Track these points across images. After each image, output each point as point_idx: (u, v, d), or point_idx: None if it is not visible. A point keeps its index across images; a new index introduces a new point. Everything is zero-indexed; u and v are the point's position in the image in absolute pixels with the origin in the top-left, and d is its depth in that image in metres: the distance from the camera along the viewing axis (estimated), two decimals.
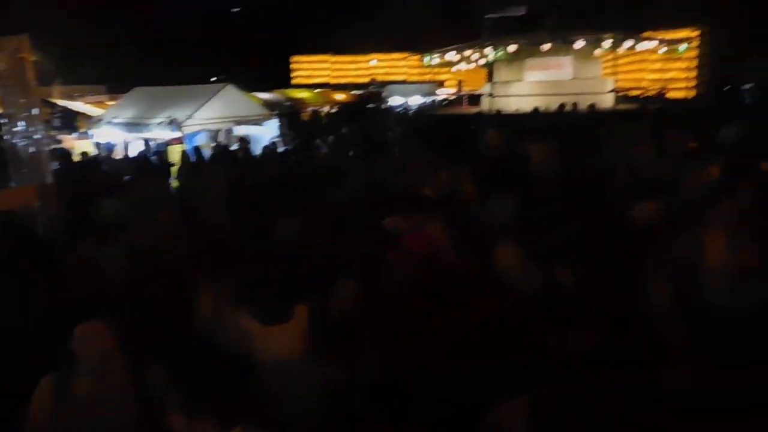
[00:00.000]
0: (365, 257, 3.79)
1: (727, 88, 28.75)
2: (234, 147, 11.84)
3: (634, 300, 3.67)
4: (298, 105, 30.84)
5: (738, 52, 46.39)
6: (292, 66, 51.35)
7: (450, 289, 3.62)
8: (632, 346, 3.18)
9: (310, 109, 31.39)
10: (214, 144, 12.78)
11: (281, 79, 46.95)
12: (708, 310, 3.77)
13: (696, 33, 30.07)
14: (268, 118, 14.35)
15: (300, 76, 50.83)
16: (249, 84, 24.07)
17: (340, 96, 38.15)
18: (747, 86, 36.77)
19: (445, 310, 3.41)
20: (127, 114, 13.65)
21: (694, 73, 31.82)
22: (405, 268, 3.62)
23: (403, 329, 3.30)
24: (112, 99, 19.26)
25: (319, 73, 51.15)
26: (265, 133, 13.82)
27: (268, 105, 24.71)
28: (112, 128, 13.57)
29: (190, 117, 12.61)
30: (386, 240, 3.97)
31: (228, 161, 10.23)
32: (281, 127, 14.61)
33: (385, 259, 3.68)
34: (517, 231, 4.62)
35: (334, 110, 30.08)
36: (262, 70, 45.44)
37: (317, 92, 37.84)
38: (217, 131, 13.49)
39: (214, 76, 36.58)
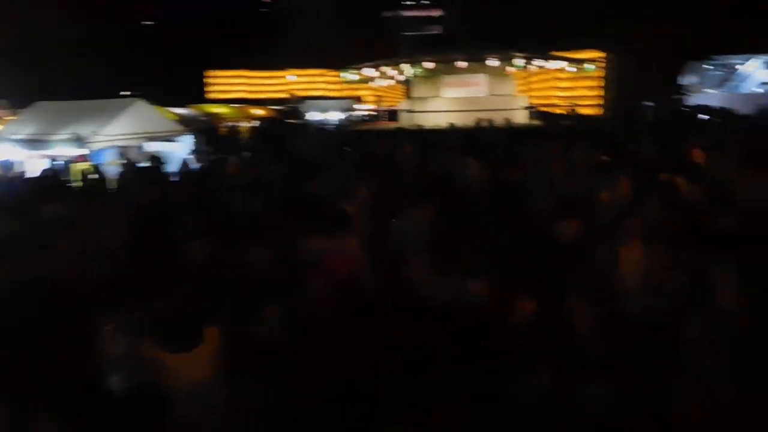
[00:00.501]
0: (286, 280, 3.61)
1: (631, 106, 30.40)
2: (144, 164, 11.28)
3: (556, 315, 3.67)
4: (214, 120, 30.11)
5: (639, 74, 49.36)
6: (207, 81, 50.15)
7: (368, 309, 3.53)
8: (551, 363, 3.15)
9: (228, 124, 30.71)
10: (123, 161, 12.14)
11: (196, 94, 45.81)
12: (626, 320, 3.81)
13: (601, 55, 31.66)
14: (181, 133, 13.81)
15: (215, 91, 49.73)
16: (162, 99, 23.27)
17: (258, 111, 37.56)
18: (648, 104, 39.08)
19: (365, 329, 3.32)
20: (27, 130, 12.77)
21: (600, 92, 33.42)
22: (327, 291, 3.48)
23: (329, 350, 3.19)
24: (12, 114, 18.06)
25: (236, 89, 50.22)
26: (179, 150, 13.28)
27: (184, 120, 23.95)
28: (11, 145, 12.65)
29: (96, 133, 11.94)
30: (307, 262, 3.79)
31: (137, 180, 9.70)
32: (197, 143, 14.09)
33: (307, 282, 3.51)
34: (431, 245, 4.62)
35: (252, 125, 29.54)
36: (176, 85, 44.20)
37: (234, 107, 37.09)
38: (127, 148, 12.83)
39: (124, 91, 35.17)
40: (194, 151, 13.56)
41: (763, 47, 50.01)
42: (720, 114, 21.31)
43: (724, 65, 52.25)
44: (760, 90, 47.03)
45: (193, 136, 14.16)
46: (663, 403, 3.16)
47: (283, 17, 59.51)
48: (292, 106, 39.52)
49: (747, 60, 50.95)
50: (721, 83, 51.20)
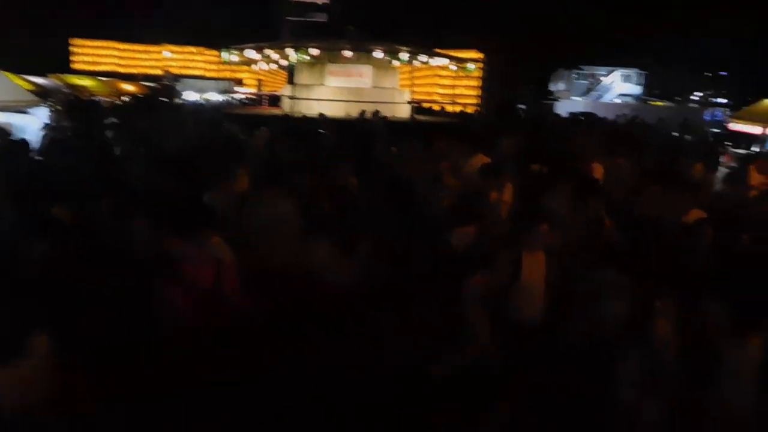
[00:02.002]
0: (138, 288, 3.12)
1: (507, 106, 31.73)
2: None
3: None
4: (78, 93, 27.87)
5: (513, 77, 51.78)
6: (72, 50, 46.31)
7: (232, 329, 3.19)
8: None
9: (95, 98, 28.54)
10: None
11: (59, 63, 42.26)
12: (525, 331, 3.70)
13: (481, 55, 32.74)
14: (35, 104, 12.45)
15: (82, 62, 46.10)
16: (16, 66, 21.14)
17: (128, 87, 35.29)
18: (522, 107, 41.04)
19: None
20: None
21: (478, 92, 34.55)
22: (182, 306, 3.06)
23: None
24: None
25: (105, 60, 46.89)
26: (33, 123, 11.95)
27: (41, 91, 21.86)
28: None
29: None
30: (163, 269, 3.27)
31: None
32: (55, 116, 12.76)
33: (159, 295, 3.05)
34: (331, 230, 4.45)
35: (122, 102, 27.61)
36: (35, 52, 40.47)
37: (102, 81, 34.59)
38: None
39: None
40: (51, 125, 12.26)
41: (624, 61, 54.28)
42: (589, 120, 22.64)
43: (589, 75, 56.12)
44: (619, 100, 51.02)
45: (49, 110, 12.81)
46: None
47: None
48: (167, 84, 37.52)
49: (609, 72, 55.05)
50: (586, 91, 54.97)
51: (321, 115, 16.50)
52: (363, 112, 16.77)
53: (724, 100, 59.90)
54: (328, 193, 6.21)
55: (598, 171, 7.76)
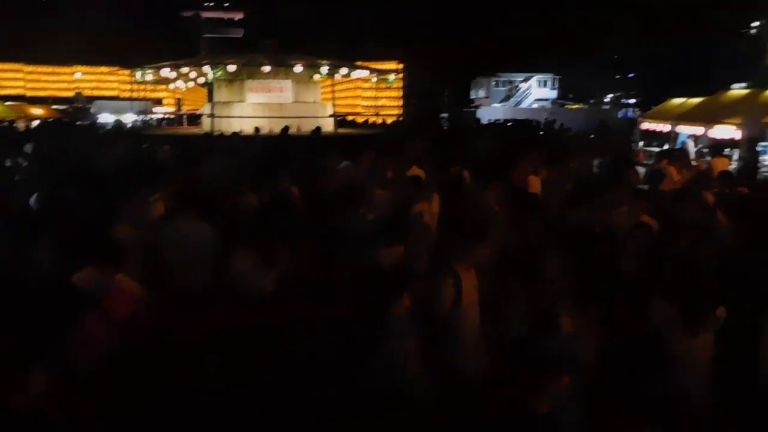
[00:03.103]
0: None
1: (428, 114, 32.24)
2: None
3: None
4: None
5: (435, 86, 52.63)
6: None
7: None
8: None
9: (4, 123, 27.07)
10: None
11: None
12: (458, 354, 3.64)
13: (401, 66, 33.09)
14: None
15: None
16: None
17: (37, 110, 33.63)
18: (444, 115, 41.75)
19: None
20: None
21: (400, 102, 34.89)
22: (104, 340, 2.89)
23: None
24: None
25: (12, 84, 44.41)
26: None
27: None
28: None
29: None
30: (77, 303, 3.05)
31: None
32: None
33: (78, 331, 2.86)
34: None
35: (30, 126, 26.26)
36: None
37: (8, 105, 32.81)
38: None
39: None
40: None
41: (539, 66, 56.26)
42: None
43: (507, 82, 57.83)
44: (537, 105, 52.77)
45: None
46: None
47: (71, 8, 54.13)
48: (78, 107, 36.01)
49: (526, 78, 56.91)
50: (505, 98, 56.58)
51: (234, 134, 16.33)
52: (287, 127, 16.58)
53: (633, 101, 62.97)
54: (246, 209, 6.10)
55: (534, 184, 7.67)
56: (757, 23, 38.57)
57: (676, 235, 4.77)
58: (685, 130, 20.84)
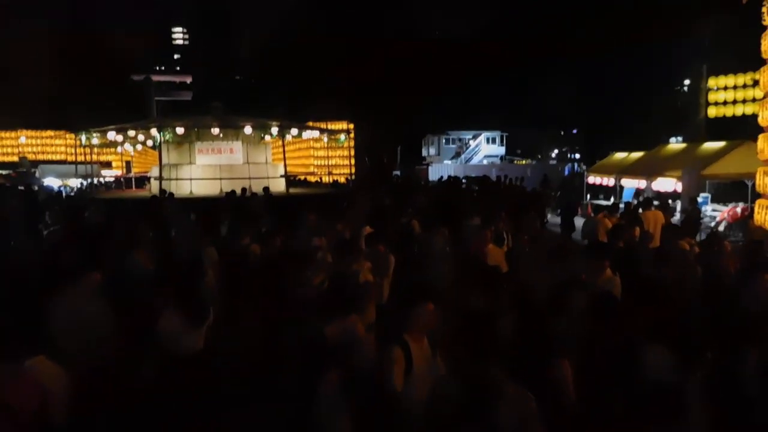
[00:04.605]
0: None
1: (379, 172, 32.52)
2: None
3: None
4: None
5: (384, 145, 53.41)
6: None
7: None
8: None
9: None
10: None
11: None
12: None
13: (351, 125, 33.48)
14: None
15: None
16: None
17: None
18: (396, 172, 42.21)
19: None
20: None
21: (352, 161, 35.11)
22: None
23: None
24: None
25: None
26: None
27: None
28: None
29: None
30: None
31: None
32: None
33: None
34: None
35: None
36: None
37: None
38: None
39: None
40: None
41: (487, 123, 57.93)
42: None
43: (457, 139, 59.19)
44: (486, 161, 53.97)
45: None
46: None
47: (17, 71, 53.32)
48: (22, 171, 35.02)
49: (475, 135, 58.38)
50: (455, 155, 57.76)
51: (170, 194, 16.10)
52: (244, 189, 16.41)
53: (578, 155, 65.11)
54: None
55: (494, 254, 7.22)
56: (688, 81, 40.78)
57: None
58: (628, 183, 21.53)
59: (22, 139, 44.64)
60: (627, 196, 21.67)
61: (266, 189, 16.76)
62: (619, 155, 24.91)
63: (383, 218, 10.02)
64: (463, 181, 25.77)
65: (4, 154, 44.10)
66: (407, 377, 3.53)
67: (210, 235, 7.82)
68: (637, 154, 23.32)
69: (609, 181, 22.80)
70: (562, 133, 72.69)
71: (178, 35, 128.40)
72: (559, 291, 4.40)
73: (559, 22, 73.33)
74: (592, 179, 24.50)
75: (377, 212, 10.81)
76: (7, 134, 44.73)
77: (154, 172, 22.62)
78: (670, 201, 16.75)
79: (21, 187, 22.34)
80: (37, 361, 3.05)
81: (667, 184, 18.32)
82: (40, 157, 42.99)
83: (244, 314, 5.07)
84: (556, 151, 71.42)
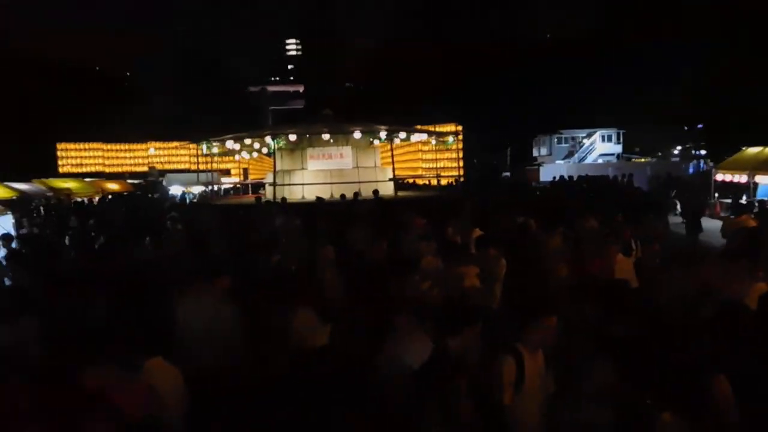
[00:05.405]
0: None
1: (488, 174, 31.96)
2: None
3: None
4: (61, 195, 27.87)
5: (496, 145, 52.58)
6: (59, 154, 46.71)
7: None
8: None
9: (78, 199, 28.62)
10: None
11: (48, 167, 42.64)
12: None
13: (459, 127, 33.18)
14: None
15: (69, 164, 46.38)
16: (6, 171, 21.13)
17: (112, 185, 35.36)
18: (506, 174, 41.38)
19: None
20: None
21: (461, 163, 34.78)
22: None
23: None
24: None
25: (91, 162, 47.14)
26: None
27: (20, 196, 21.83)
28: None
29: None
30: (82, 399, 2.78)
31: None
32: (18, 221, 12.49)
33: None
34: None
35: (104, 199, 27.58)
36: (23, 157, 41.03)
37: (86, 181, 34.67)
38: None
39: None
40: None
41: (601, 122, 55.36)
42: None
43: (570, 138, 57.01)
44: (601, 161, 51.60)
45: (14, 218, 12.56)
46: None
47: (148, 89, 57.81)
48: (151, 180, 37.66)
49: (589, 133, 55.97)
50: (568, 154, 55.68)
51: (283, 198, 16.57)
52: (343, 195, 16.66)
53: (704, 152, 60.78)
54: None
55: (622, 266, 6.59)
56: None
57: None
58: (765, 180, 19.74)
59: (151, 150, 48.15)
60: (762, 193, 19.86)
61: (375, 192, 16.89)
62: (753, 150, 22.86)
63: (493, 221, 9.73)
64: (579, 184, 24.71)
65: (135, 164, 47.82)
66: (518, 391, 3.29)
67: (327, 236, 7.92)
68: None
69: (741, 178, 21.00)
70: (686, 128, 68.23)
71: (292, 46, 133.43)
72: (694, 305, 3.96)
73: (676, 6, 68.49)
74: (721, 177, 22.68)
75: (487, 215, 10.53)
76: (138, 146, 48.45)
77: (269, 178, 23.49)
78: None
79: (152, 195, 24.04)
80: (154, 363, 3.11)
81: None
82: (167, 166, 46.22)
83: (355, 315, 5.01)
84: (678, 147, 67.05)
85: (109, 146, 47.91)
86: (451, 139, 24.62)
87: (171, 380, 3.09)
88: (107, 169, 46.56)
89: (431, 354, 3.56)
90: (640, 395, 2.67)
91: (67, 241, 10.25)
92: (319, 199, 16.09)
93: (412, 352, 3.54)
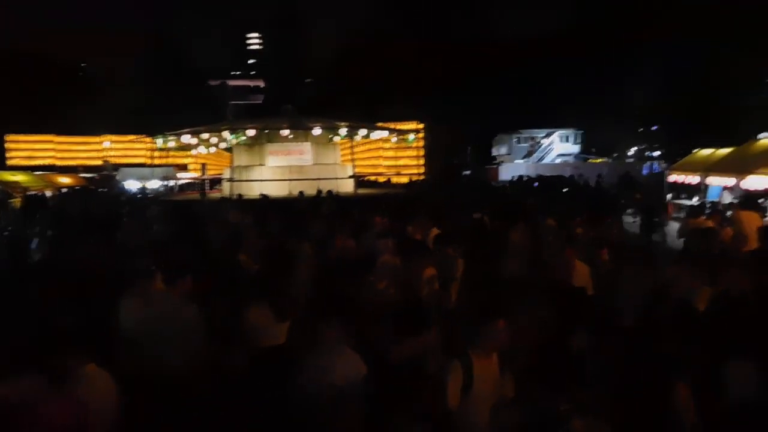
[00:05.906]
0: None
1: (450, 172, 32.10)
2: None
3: None
4: (11, 189, 26.86)
5: (453, 145, 52.86)
6: (7, 146, 45.11)
7: None
8: None
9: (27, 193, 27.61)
10: None
11: None
12: None
13: (421, 125, 33.21)
14: None
15: (18, 157, 44.81)
16: None
17: (65, 179, 34.29)
18: (466, 172, 41.67)
19: None
20: None
21: (422, 160, 34.86)
22: None
23: None
24: None
25: (42, 155, 45.60)
26: None
27: None
28: None
29: None
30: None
31: None
32: None
33: None
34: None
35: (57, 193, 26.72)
36: None
37: (36, 175, 33.53)
38: None
39: None
40: None
41: (560, 122, 56.27)
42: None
43: (529, 138, 57.77)
44: (559, 160, 52.44)
45: None
46: None
47: (102, 81, 56.34)
48: (105, 174, 36.70)
49: (548, 134, 56.82)
50: (527, 154, 56.40)
51: (239, 195, 16.29)
52: (301, 192, 16.43)
53: (657, 153, 62.21)
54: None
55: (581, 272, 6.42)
56: None
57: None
58: (715, 181, 20.24)
59: (106, 144, 46.89)
60: (712, 195, 20.37)
61: (329, 192, 16.69)
62: (705, 152, 23.47)
63: (451, 219, 9.68)
64: (535, 184, 25.03)
65: (89, 158, 46.49)
66: (465, 395, 3.24)
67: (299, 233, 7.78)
68: (724, 151, 21.89)
69: (693, 179, 21.51)
70: (641, 130, 69.74)
71: (253, 41, 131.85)
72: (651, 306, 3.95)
73: (636, 8, 69.88)
74: (674, 177, 23.20)
75: (445, 213, 10.47)
76: (93, 139, 47.13)
77: (225, 173, 23.11)
78: (760, 200, 15.60)
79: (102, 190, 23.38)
80: (86, 370, 2.91)
81: (759, 182, 17.06)
82: (123, 160, 45.05)
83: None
84: (633, 149, 68.53)
85: (61, 138, 46.48)
86: (411, 136, 24.61)
87: (103, 389, 2.90)
88: (59, 162, 45.13)
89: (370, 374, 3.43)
90: (555, 399, 2.62)
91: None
92: (263, 196, 15.83)
93: (338, 369, 3.38)
